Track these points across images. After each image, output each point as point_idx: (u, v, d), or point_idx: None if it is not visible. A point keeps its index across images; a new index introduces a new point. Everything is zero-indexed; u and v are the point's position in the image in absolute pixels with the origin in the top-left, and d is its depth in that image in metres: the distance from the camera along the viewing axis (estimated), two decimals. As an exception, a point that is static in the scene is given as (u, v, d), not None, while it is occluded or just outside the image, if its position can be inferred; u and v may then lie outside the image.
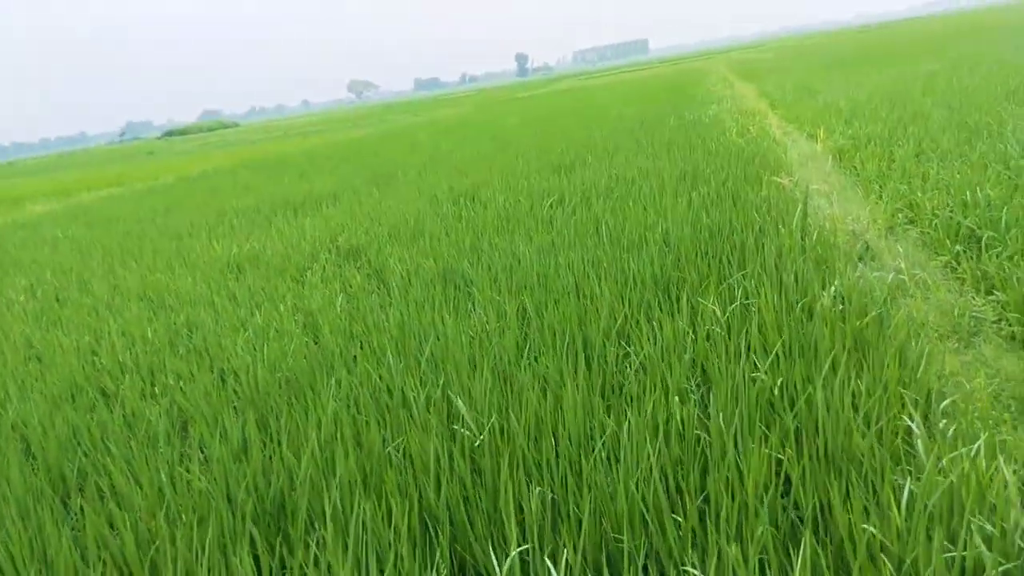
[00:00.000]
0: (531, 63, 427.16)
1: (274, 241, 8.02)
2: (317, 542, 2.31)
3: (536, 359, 3.47)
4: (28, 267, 8.62)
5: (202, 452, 3.07)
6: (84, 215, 13.89)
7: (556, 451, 2.70)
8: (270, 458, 2.83)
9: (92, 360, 4.58)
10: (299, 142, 33.54)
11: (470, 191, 9.35)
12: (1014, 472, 2.18)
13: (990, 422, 2.57)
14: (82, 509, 2.60)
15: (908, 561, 1.90)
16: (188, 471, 2.75)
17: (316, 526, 2.46)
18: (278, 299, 5.55)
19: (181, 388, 3.84)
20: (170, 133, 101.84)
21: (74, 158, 70.46)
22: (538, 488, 2.42)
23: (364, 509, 2.40)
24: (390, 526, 2.32)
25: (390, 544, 2.24)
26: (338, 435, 2.87)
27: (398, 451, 2.81)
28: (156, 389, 3.93)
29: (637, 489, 2.26)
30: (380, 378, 3.49)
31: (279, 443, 2.93)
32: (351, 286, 5.64)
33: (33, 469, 3.22)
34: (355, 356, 4.03)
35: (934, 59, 19.35)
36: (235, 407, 3.54)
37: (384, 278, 5.74)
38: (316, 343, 4.42)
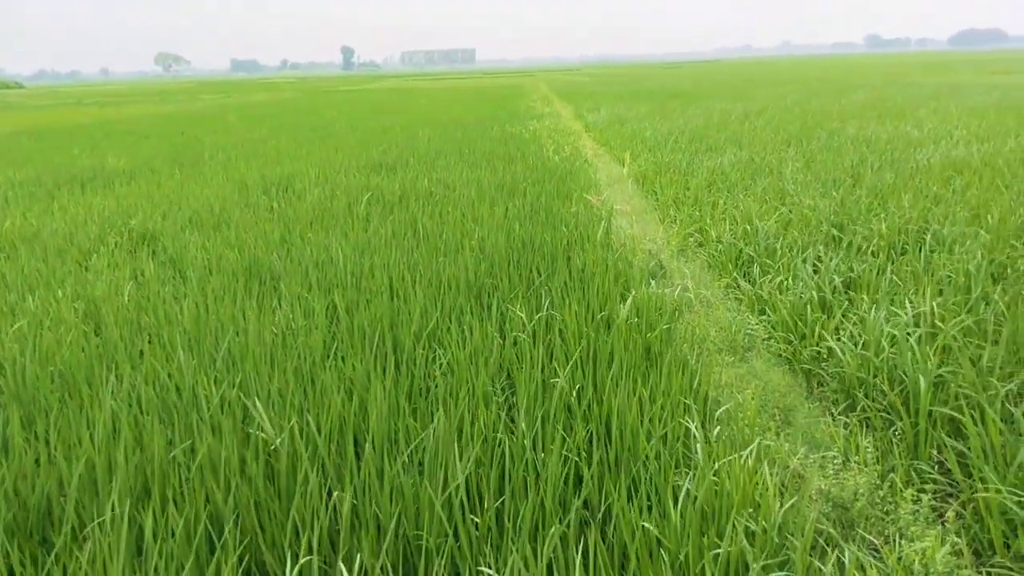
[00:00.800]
0: (357, 58, 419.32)
1: (55, 219, 7.22)
2: (88, 554, 2.10)
3: (343, 360, 3.39)
4: None
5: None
6: None
7: (358, 454, 2.65)
8: (36, 461, 2.54)
9: None
10: (94, 112, 30.51)
11: (283, 182, 8.98)
12: (775, 475, 2.44)
13: (757, 429, 2.87)
14: None
15: (682, 557, 2.07)
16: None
17: (87, 535, 2.24)
18: (56, 284, 5.00)
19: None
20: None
21: None
22: (336, 492, 2.36)
23: (142, 516, 2.22)
24: (172, 534, 2.16)
25: (172, 553, 2.09)
26: (118, 437, 2.63)
27: (185, 454, 2.62)
28: None
29: (440, 492, 2.27)
30: (169, 376, 3.24)
31: (48, 443, 2.63)
32: (143, 274, 5.21)
33: None
34: (142, 351, 3.72)
35: (732, 101, 21.34)
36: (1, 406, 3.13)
37: (181, 267, 5.36)
38: (97, 335, 4.03)
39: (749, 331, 4.06)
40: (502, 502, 2.35)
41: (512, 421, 2.86)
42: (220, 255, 5.41)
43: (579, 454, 2.59)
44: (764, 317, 4.20)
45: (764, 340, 3.97)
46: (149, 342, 3.80)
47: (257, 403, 2.72)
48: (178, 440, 2.69)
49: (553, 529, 2.10)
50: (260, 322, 3.85)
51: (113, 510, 2.22)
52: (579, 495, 2.37)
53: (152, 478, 2.46)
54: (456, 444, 2.55)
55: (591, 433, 2.77)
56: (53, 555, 2.13)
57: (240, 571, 2.14)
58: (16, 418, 2.71)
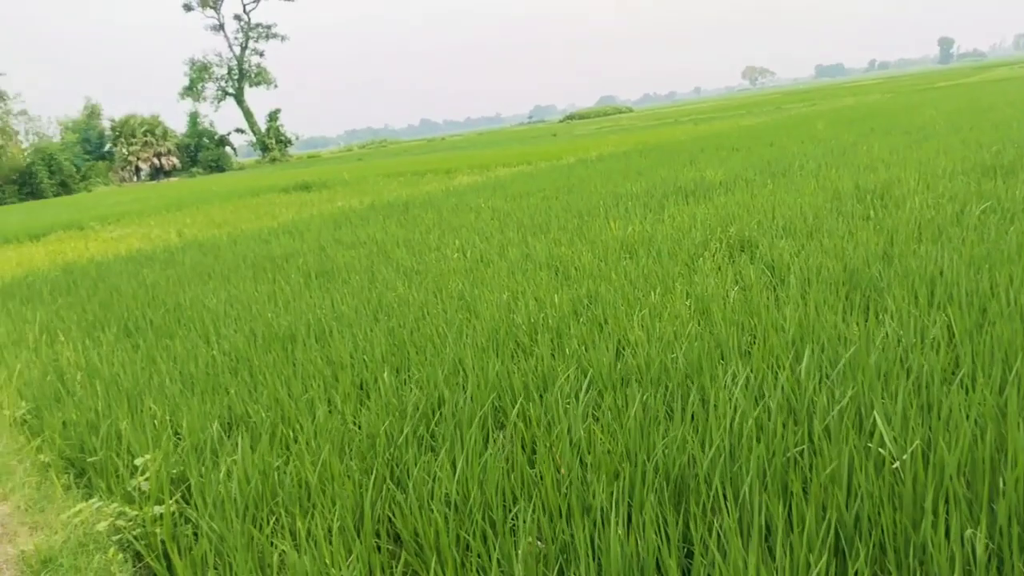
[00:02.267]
0: (956, 48, 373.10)
1: (665, 226, 8.23)
2: (720, 526, 2.36)
3: (971, 387, 3.07)
4: (459, 230, 10.09)
5: (608, 415, 3.31)
6: (501, 188, 15.77)
7: (992, 493, 2.37)
8: (675, 438, 2.94)
9: (510, 317, 5.21)
10: (689, 129, 33.81)
11: (879, 189, 8.55)
12: None
13: None
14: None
15: None
16: (602, 430, 3.01)
17: (714, 509, 2.52)
18: (669, 283, 5.70)
19: (583, 352, 4.18)
20: (570, 116, 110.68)
21: (491, 136, 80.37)
22: (969, 530, 2.16)
23: (767, 505, 2.39)
24: (794, 529, 2.27)
25: (793, 546, 2.20)
26: (742, 429, 2.88)
27: (803, 456, 2.72)
28: (567, 351, 4.33)
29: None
30: (779, 378, 3.40)
31: (683, 422, 3.04)
32: (743, 278, 5.56)
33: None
34: (748, 350, 3.98)
35: None
36: (637, 380, 3.74)
37: (778, 273, 5.55)
38: (710, 332, 4.46)
39: None
40: None
41: None
42: (819, 264, 5.44)
43: None
44: None
45: None
46: (753, 342, 4.04)
47: (877, 418, 2.66)
48: (800, 440, 2.81)
49: None
50: (866, 335, 3.74)
51: (745, 495, 2.44)
52: None
53: (770, 473, 2.62)
54: None
55: None
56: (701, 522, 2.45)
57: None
58: (658, 397, 3.19)
